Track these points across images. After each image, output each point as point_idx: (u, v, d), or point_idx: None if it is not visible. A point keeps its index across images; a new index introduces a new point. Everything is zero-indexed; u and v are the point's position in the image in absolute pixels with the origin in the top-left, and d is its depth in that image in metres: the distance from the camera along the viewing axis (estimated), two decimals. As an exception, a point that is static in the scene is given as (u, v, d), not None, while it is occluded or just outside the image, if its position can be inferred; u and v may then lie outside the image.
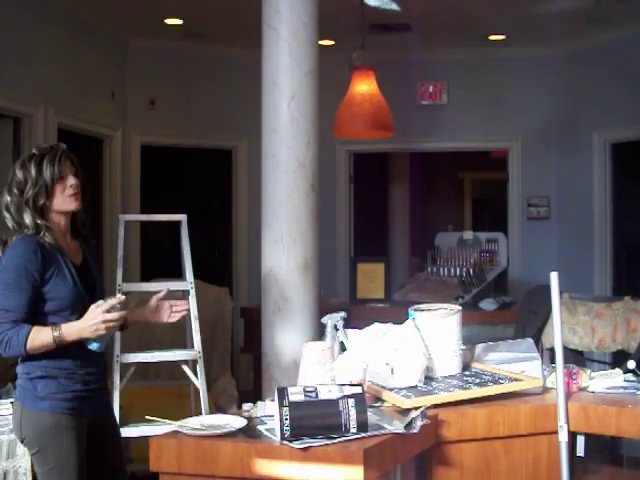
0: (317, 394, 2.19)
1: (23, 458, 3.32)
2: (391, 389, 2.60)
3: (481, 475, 2.57)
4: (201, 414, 3.93)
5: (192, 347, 4.14)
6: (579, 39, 6.89)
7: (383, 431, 2.25)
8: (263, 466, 2.16)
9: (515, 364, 2.88)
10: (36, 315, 2.54)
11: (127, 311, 2.52)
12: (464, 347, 2.88)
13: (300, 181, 4.31)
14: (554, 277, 2.60)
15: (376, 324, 2.87)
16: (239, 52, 6.92)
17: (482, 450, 2.56)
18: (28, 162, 2.63)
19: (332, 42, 6.76)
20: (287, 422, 2.14)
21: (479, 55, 7.35)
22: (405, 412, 2.43)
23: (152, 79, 7.13)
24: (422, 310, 2.87)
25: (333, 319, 2.81)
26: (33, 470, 3.10)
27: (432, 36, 6.90)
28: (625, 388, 2.81)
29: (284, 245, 4.28)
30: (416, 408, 2.43)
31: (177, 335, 4.90)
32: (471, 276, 6.16)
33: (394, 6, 6.03)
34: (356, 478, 2.09)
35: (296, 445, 2.13)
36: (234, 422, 2.35)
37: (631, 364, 2.92)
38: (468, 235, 6.92)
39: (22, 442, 2.66)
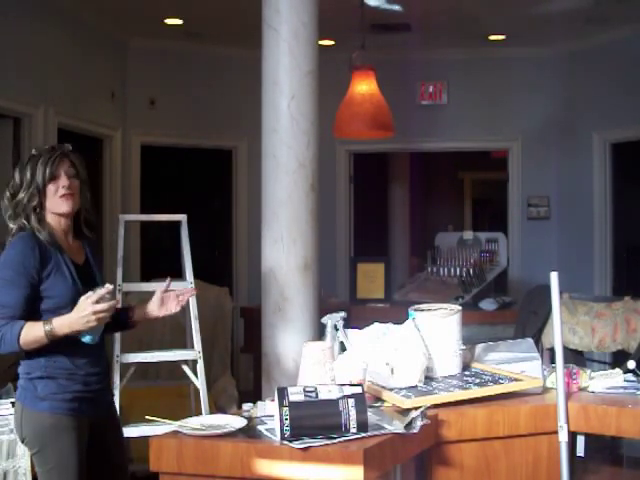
0: (317, 394, 2.19)
1: (23, 458, 3.32)
2: (391, 389, 2.60)
3: (481, 475, 2.57)
4: (201, 414, 3.93)
5: (192, 347, 4.14)
6: (579, 39, 6.89)
7: (383, 431, 2.25)
8: (263, 466, 2.16)
9: (515, 364, 2.88)
10: (34, 313, 2.53)
11: (115, 300, 2.49)
12: (464, 347, 2.88)
13: (300, 181, 4.31)
14: (554, 277, 2.60)
15: (376, 324, 2.87)
16: (239, 52, 6.92)
17: (482, 450, 2.56)
18: (26, 163, 2.65)
19: (332, 42, 6.76)
20: (287, 422, 2.14)
21: (479, 55, 7.35)
22: (405, 412, 2.43)
23: (152, 79, 7.13)
24: (422, 310, 2.87)
25: (333, 319, 2.81)
26: (33, 470, 3.10)
27: (432, 36, 6.90)
28: (625, 388, 2.81)
29: (284, 245, 4.28)
30: (416, 408, 2.43)
31: (177, 335, 4.90)
32: (471, 276, 6.16)
33: (394, 6, 6.03)
34: (356, 478, 2.09)
35: (296, 445, 2.13)
36: (234, 422, 2.35)
37: (631, 364, 2.92)
38: (468, 235, 6.92)
39: (23, 442, 2.66)
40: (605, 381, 2.86)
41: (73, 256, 2.68)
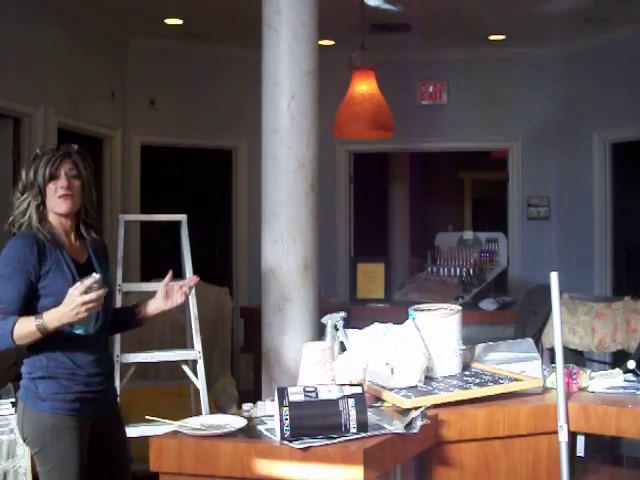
0: (317, 394, 2.19)
1: (23, 458, 3.32)
2: (391, 389, 2.60)
3: (481, 475, 2.57)
4: (201, 414, 3.93)
5: (192, 347, 4.14)
6: (579, 39, 6.89)
7: (383, 431, 2.25)
8: (263, 466, 2.16)
9: (515, 364, 2.88)
10: (33, 312, 2.53)
11: (104, 290, 2.48)
12: (464, 347, 2.88)
13: (300, 181, 4.31)
14: (554, 277, 2.60)
15: (376, 324, 2.87)
16: (239, 52, 6.92)
17: (482, 450, 2.56)
18: (31, 162, 2.66)
19: (332, 42, 6.76)
20: (287, 422, 2.14)
21: (479, 55, 7.35)
22: (405, 412, 2.43)
23: (152, 79, 7.13)
24: (422, 310, 2.87)
25: (333, 319, 2.81)
26: (33, 470, 3.11)
27: (432, 36, 6.90)
28: (625, 388, 2.81)
29: (284, 245, 4.27)
30: (416, 408, 2.43)
31: (177, 335, 4.91)
32: (471, 276, 6.16)
33: (394, 6, 6.02)
34: (356, 478, 2.09)
35: (296, 445, 2.13)
36: (234, 422, 2.35)
37: (631, 364, 2.92)
38: (468, 235, 6.92)
39: (24, 441, 2.67)
40: (605, 381, 2.86)
41: (75, 255, 2.68)
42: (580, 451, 2.77)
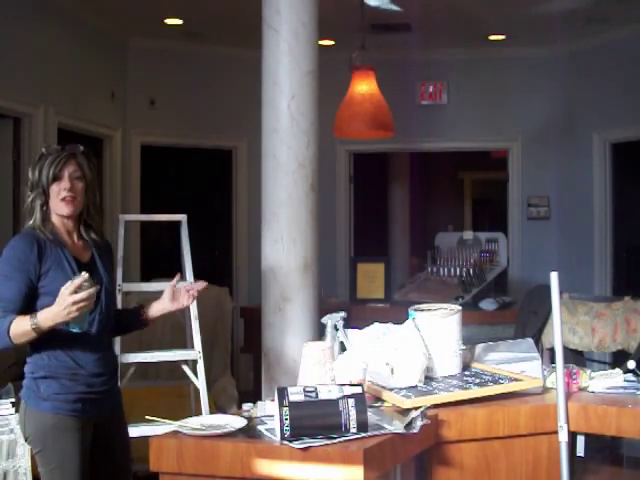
0: (317, 394, 2.19)
1: (23, 458, 3.32)
2: (391, 389, 2.60)
3: (481, 475, 2.57)
4: (201, 414, 3.93)
5: (192, 347, 4.14)
6: (579, 39, 6.89)
7: (383, 431, 2.25)
8: (263, 466, 2.16)
9: (515, 364, 2.88)
10: (34, 310, 2.53)
11: (95, 288, 2.48)
12: (464, 347, 2.88)
13: (300, 181, 4.31)
14: (554, 277, 2.60)
15: (376, 324, 2.87)
16: (239, 52, 6.92)
17: (482, 450, 2.56)
18: (36, 162, 2.67)
19: (332, 42, 6.76)
20: (287, 422, 2.14)
21: (479, 55, 7.35)
22: (405, 412, 2.43)
23: (152, 79, 7.13)
24: (422, 310, 2.87)
25: (333, 319, 2.81)
26: (34, 470, 3.11)
27: (432, 36, 6.90)
28: (625, 388, 2.81)
29: (284, 245, 4.27)
30: (416, 408, 2.43)
31: (177, 335, 4.90)
32: (471, 276, 6.16)
33: (394, 6, 6.02)
34: (356, 478, 2.09)
35: (296, 445, 2.13)
36: (234, 422, 2.35)
37: (631, 364, 2.92)
38: (468, 235, 6.92)
39: (26, 440, 2.68)
40: (605, 381, 2.86)
41: (77, 254, 2.69)
42: (580, 451, 2.77)
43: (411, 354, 2.67)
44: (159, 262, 6.80)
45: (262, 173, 4.41)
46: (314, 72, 4.37)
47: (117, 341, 3.92)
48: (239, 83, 7.05)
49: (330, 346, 2.62)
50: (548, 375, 2.84)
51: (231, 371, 5.87)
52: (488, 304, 5.91)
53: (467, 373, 2.84)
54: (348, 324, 2.85)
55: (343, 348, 2.76)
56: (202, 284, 2.93)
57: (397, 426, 2.29)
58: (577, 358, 4.41)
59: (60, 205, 2.64)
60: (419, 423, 2.34)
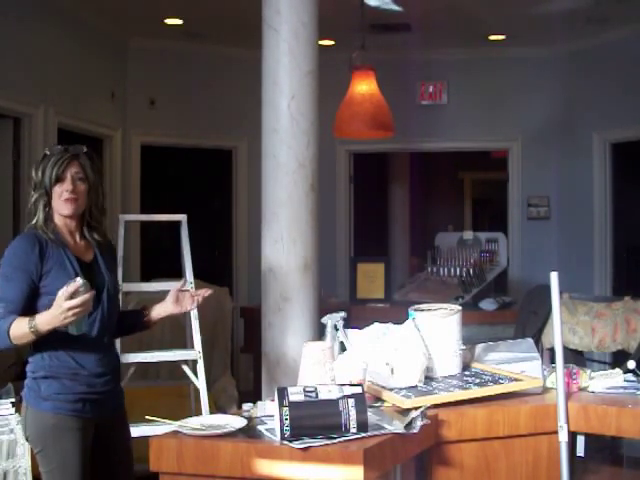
0: (317, 394, 2.19)
1: (23, 458, 3.32)
2: (391, 389, 2.60)
3: (481, 475, 2.57)
4: (201, 414, 3.93)
5: (192, 347, 4.14)
6: (579, 39, 6.89)
7: (383, 431, 2.25)
8: (263, 466, 2.16)
9: (515, 364, 2.88)
10: (35, 311, 2.53)
11: (91, 294, 2.48)
12: (464, 347, 2.88)
13: (300, 181, 4.31)
14: (554, 277, 2.60)
15: (376, 324, 2.87)
16: (239, 52, 6.92)
17: (482, 450, 2.56)
18: (39, 163, 2.67)
19: (332, 42, 6.76)
20: (287, 422, 2.14)
21: (479, 55, 7.35)
22: (405, 412, 2.43)
23: (152, 79, 7.13)
24: (422, 310, 2.87)
25: (333, 319, 2.81)
26: (34, 470, 3.11)
27: (432, 36, 6.90)
28: (625, 388, 2.81)
29: (284, 245, 4.27)
30: (416, 408, 2.43)
31: (177, 335, 4.90)
32: (471, 276, 6.16)
33: (394, 6, 6.02)
34: (356, 478, 2.09)
35: (296, 445, 2.13)
36: (234, 422, 2.35)
37: (631, 364, 2.92)
38: (468, 235, 6.92)
39: (27, 440, 2.69)
40: (605, 381, 2.86)
41: (79, 254, 2.69)
42: (580, 451, 2.77)
43: (411, 354, 2.67)
44: (159, 262, 6.80)
45: (262, 173, 4.42)
46: (314, 72, 4.37)
47: (117, 341, 3.92)
48: (239, 83, 7.05)
49: (330, 346, 2.63)
50: (548, 375, 2.84)
51: (231, 371, 5.87)
52: (488, 304, 5.92)
53: (467, 373, 2.84)
54: (348, 324, 2.85)
55: (343, 348, 2.76)
56: (207, 291, 2.93)
57: (397, 426, 2.29)
58: (577, 358, 4.41)
59: (62, 206, 2.65)
60: (419, 423, 2.34)
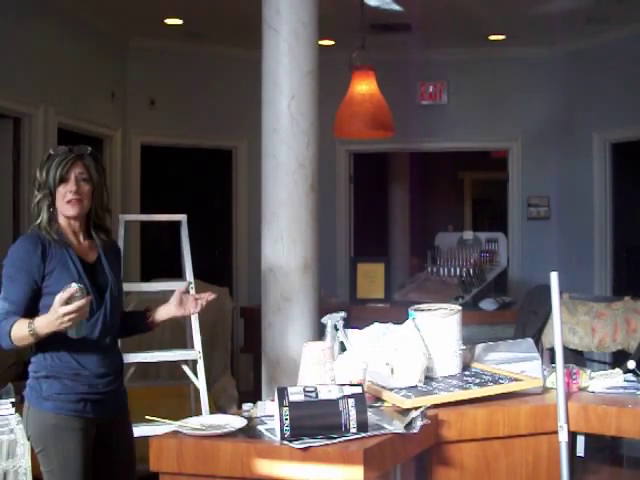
0: (317, 394, 2.19)
1: (23, 458, 3.32)
2: (391, 389, 2.60)
3: (481, 475, 2.57)
4: (201, 414, 3.93)
5: (192, 347, 4.14)
6: (579, 39, 6.89)
7: (383, 431, 2.25)
8: (263, 466, 2.16)
9: (515, 364, 2.88)
10: (37, 311, 2.54)
11: (87, 299, 2.48)
12: (464, 347, 2.88)
13: (300, 181, 4.31)
14: (554, 277, 2.60)
15: (376, 324, 2.87)
16: (239, 52, 6.92)
17: (482, 450, 2.56)
18: (44, 163, 2.67)
19: (332, 42, 6.76)
20: (287, 422, 2.14)
21: (479, 55, 7.35)
22: (405, 412, 2.43)
23: (152, 79, 7.13)
24: (422, 310, 2.87)
25: (333, 319, 2.81)
26: (34, 470, 3.11)
27: (432, 36, 6.90)
28: (625, 388, 2.81)
29: (284, 245, 4.27)
30: (416, 408, 2.43)
31: (177, 335, 4.90)
32: (471, 276, 6.16)
33: (394, 6, 6.03)
34: (356, 478, 2.09)
35: (296, 445, 2.13)
36: (234, 422, 2.35)
37: (631, 364, 2.92)
38: (468, 235, 6.92)
39: (28, 439, 2.69)
40: (605, 381, 2.86)
41: (83, 254, 2.70)
42: (580, 451, 2.77)
43: (411, 354, 2.67)
44: (159, 262, 6.81)
45: (262, 173, 4.42)
46: (314, 72, 4.37)
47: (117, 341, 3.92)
48: (239, 83, 7.05)
49: (330, 346, 2.63)
50: (548, 375, 2.84)
51: (231, 371, 5.87)
52: (488, 304, 5.91)
53: (467, 373, 2.83)
54: (348, 324, 2.85)
55: (343, 348, 2.76)
56: (211, 295, 2.94)
57: (397, 426, 2.29)
58: (577, 358, 4.41)
59: (66, 206, 2.65)
60: (419, 423, 2.34)
